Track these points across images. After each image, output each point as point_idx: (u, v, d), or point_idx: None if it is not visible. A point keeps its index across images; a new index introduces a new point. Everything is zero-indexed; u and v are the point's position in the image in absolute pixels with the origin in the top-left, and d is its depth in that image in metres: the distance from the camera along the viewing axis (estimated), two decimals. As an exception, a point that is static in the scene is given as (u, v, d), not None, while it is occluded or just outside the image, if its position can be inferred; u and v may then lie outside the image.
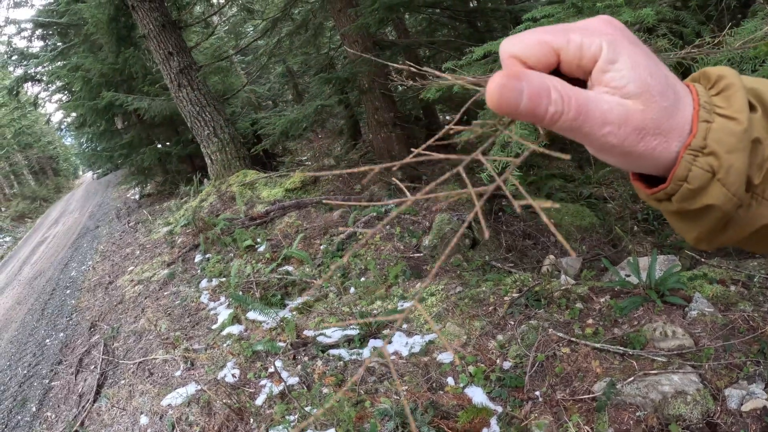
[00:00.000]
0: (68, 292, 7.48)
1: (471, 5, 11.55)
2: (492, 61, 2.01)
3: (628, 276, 3.70)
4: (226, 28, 17.84)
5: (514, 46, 0.38)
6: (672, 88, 0.39)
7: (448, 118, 13.82)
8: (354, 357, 3.65)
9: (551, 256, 4.73)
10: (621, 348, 2.97)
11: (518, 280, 4.11)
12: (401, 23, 10.81)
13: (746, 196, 0.40)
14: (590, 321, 3.34)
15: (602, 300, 3.52)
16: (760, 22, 1.20)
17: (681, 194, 0.40)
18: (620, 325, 3.22)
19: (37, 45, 19.28)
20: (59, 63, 15.79)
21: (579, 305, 3.51)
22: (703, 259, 3.97)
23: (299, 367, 3.65)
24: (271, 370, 3.69)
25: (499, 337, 3.45)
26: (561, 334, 3.22)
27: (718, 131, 0.39)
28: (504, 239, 5.28)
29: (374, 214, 6.30)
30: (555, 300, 3.62)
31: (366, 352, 3.69)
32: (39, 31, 17.79)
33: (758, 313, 3.03)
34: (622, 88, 0.37)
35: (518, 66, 0.38)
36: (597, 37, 0.37)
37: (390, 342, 3.77)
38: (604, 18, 0.39)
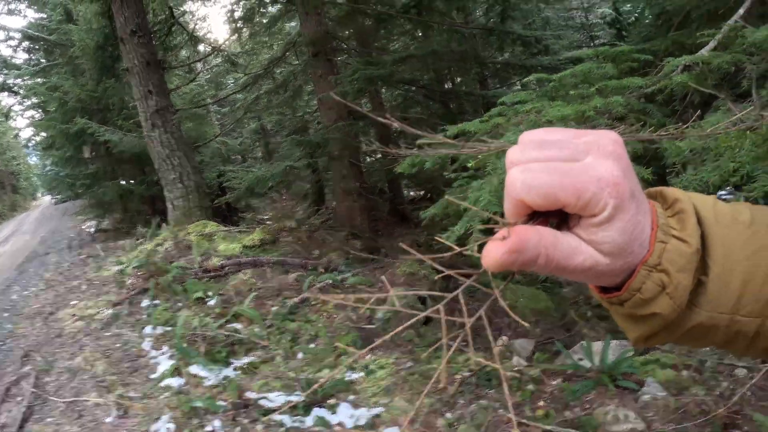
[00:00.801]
0: (6, 315, 7.08)
1: (446, 86, 12.01)
2: (467, 140, 2.06)
3: (581, 360, 3.70)
4: (208, 76, 18.05)
5: (525, 192, 0.41)
6: (636, 239, 0.43)
7: (412, 193, 14.04)
8: (296, 425, 3.49)
9: (504, 337, 4.72)
10: (572, 431, 2.92)
11: (470, 360, 4.06)
12: (378, 96, 11.12)
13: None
14: (541, 403, 3.29)
15: (554, 383, 3.50)
16: (722, 116, 1.25)
17: (633, 302, 0.46)
18: (572, 408, 3.19)
19: (21, 57, 19.05)
20: (39, 80, 15.62)
21: (531, 387, 3.47)
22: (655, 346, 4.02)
23: (238, 429, 3.47)
24: (209, 429, 3.49)
25: (448, 415, 3.36)
26: (511, 416, 3.15)
27: (672, 252, 0.44)
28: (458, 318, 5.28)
29: (330, 281, 6.25)
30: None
31: (309, 421, 3.53)
32: (26, 44, 17.69)
33: (710, 397, 3.04)
34: (602, 244, 0.42)
35: (522, 216, 0.43)
36: (606, 194, 0.40)
37: (335, 413, 3.63)
38: (614, 151, 0.42)
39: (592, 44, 9.56)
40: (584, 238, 0.42)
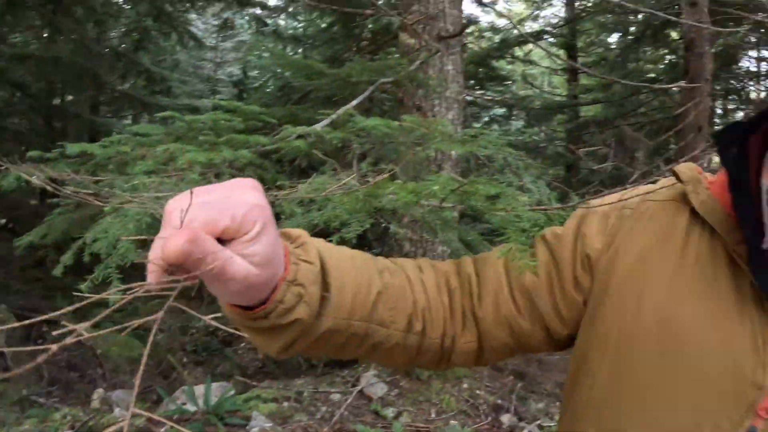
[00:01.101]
0: None
1: (55, 102, 10.69)
2: (81, 163, 1.92)
3: (185, 404, 3.71)
4: None
5: (187, 223, 0.46)
6: (278, 253, 0.53)
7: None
8: None
9: (100, 390, 4.38)
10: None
11: (68, 416, 3.63)
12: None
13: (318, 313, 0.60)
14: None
15: (162, 430, 3.40)
16: (328, 178, 1.50)
17: (277, 312, 0.55)
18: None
19: None
20: None
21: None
22: (254, 383, 4.33)
23: None
24: None
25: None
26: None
27: (303, 270, 0.57)
28: (46, 371, 4.67)
29: None
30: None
31: None
32: None
33: (314, 421, 3.46)
34: (254, 256, 0.49)
35: (197, 231, 0.46)
36: (255, 213, 0.49)
37: None
38: (254, 186, 0.51)
39: (213, 97, 10.04)
40: (239, 253, 0.48)
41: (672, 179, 0.66)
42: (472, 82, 8.85)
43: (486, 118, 11.18)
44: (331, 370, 4.20)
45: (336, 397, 3.83)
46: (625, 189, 0.74)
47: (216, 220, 0.47)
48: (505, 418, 3.76)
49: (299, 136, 1.90)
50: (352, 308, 0.62)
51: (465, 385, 3.96)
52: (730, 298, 0.56)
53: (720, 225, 0.58)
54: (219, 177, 1.65)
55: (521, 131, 11.65)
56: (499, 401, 3.95)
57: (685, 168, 0.64)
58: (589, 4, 9.08)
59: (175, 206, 0.47)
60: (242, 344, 5.26)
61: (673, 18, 6.94)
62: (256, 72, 10.57)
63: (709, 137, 8.14)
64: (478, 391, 3.96)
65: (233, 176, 1.54)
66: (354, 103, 2.79)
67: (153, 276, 0.45)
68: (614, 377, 0.62)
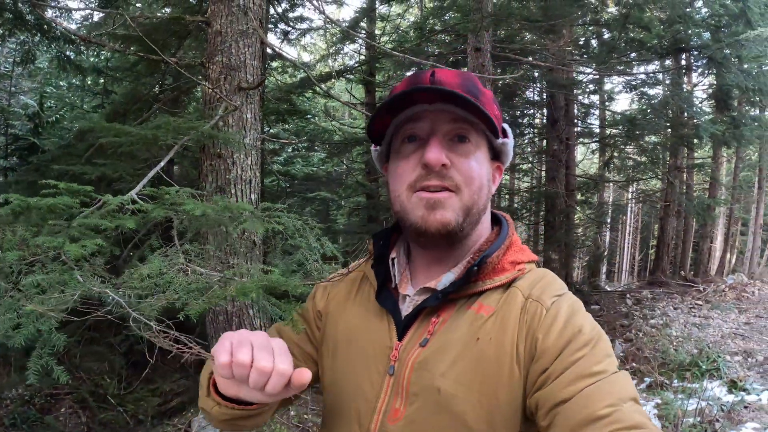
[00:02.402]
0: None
1: None
2: None
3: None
4: None
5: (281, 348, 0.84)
6: None
7: None
8: None
9: None
10: None
11: None
12: None
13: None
14: None
15: None
16: (161, 261, 1.69)
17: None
18: None
19: None
20: None
21: None
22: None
23: None
24: None
25: None
26: None
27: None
28: None
29: None
30: None
31: None
32: None
33: None
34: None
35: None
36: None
37: None
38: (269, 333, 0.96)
39: (7, 132, 8.87)
40: None
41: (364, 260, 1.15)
42: (273, 117, 9.10)
43: (289, 150, 11.45)
44: (160, 422, 4.12)
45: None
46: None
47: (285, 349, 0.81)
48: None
49: (122, 208, 2.03)
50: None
51: (293, 413, 4.20)
52: (376, 310, 1.00)
53: (370, 278, 1.04)
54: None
55: (323, 161, 12.10)
56: (325, 422, 4.24)
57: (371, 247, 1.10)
58: (387, 46, 9.88)
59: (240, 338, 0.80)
60: (62, 409, 4.83)
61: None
62: (52, 102, 9.57)
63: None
64: (305, 416, 4.22)
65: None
66: (161, 164, 2.92)
67: (277, 387, 0.77)
68: (332, 370, 1.03)
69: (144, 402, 4.04)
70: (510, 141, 1.00)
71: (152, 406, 4.06)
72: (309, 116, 10.38)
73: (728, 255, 17.41)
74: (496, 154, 1.00)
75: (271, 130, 10.58)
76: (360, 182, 11.04)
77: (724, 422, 4.65)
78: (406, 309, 0.96)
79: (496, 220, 1.06)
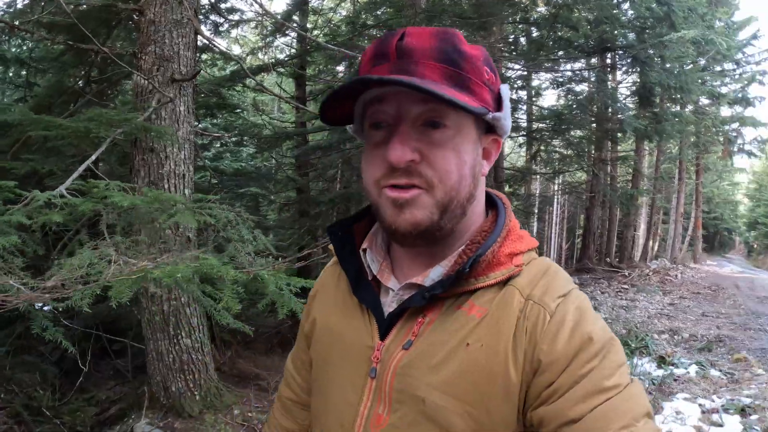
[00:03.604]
0: None
1: None
2: None
3: None
4: None
5: None
6: None
7: None
8: None
9: None
10: None
11: None
12: None
13: None
14: None
15: None
16: (91, 254, 1.63)
17: None
18: None
19: None
20: None
21: None
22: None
23: None
24: None
25: None
26: None
27: None
28: None
29: None
30: None
31: None
32: None
33: None
34: None
35: None
36: None
37: None
38: None
39: None
40: None
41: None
42: (202, 111, 8.82)
43: (218, 145, 11.16)
44: (101, 430, 3.93)
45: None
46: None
47: None
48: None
49: (50, 204, 1.94)
50: None
51: (236, 412, 4.13)
52: (356, 305, 0.91)
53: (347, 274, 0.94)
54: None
55: (252, 156, 11.89)
56: (273, 416, 4.20)
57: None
58: (319, 40, 9.78)
59: None
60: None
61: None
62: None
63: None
64: (249, 414, 4.17)
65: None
66: (93, 158, 2.81)
67: None
68: (317, 371, 0.97)
69: (81, 412, 3.84)
70: (504, 110, 0.82)
71: (89, 416, 3.87)
72: (238, 110, 10.15)
73: (651, 242, 18.45)
74: (490, 127, 0.84)
75: (200, 125, 10.28)
76: (290, 177, 10.94)
77: (657, 394, 5.00)
78: (389, 304, 0.87)
79: (491, 202, 0.92)
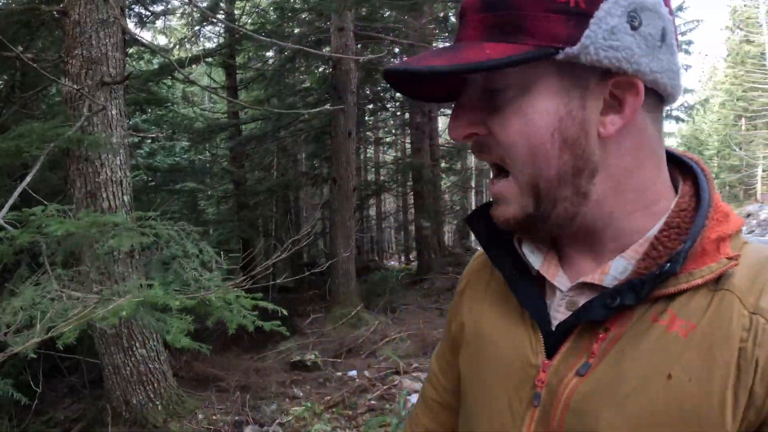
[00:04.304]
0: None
1: None
2: None
3: None
4: None
5: None
6: None
7: None
8: None
9: None
10: None
11: None
12: None
13: None
14: None
15: None
16: (34, 291, 1.60)
17: None
18: None
19: None
20: None
21: None
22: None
23: None
24: None
25: None
26: None
27: None
28: None
29: None
30: None
31: None
32: None
33: None
34: None
35: None
36: None
37: None
38: None
39: None
40: None
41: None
42: (132, 108, 8.43)
43: (150, 141, 10.77)
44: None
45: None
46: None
47: None
48: (248, 430, 4.03)
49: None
50: None
51: (201, 416, 4.10)
52: (514, 307, 0.70)
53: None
54: None
55: (186, 150, 11.58)
56: (237, 417, 4.21)
57: None
58: (248, 26, 9.54)
59: None
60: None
61: (315, 53, 7.86)
62: None
63: (357, 139, 9.61)
64: (214, 417, 4.14)
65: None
66: (28, 179, 2.67)
67: None
68: (466, 385, 0.78)
69: (41, 436, 3.70)
70: (617, 33, 0.55)
71: (53, 439, 3.74)
72: (168, 104, 9.83)
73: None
74: (605, 72, 0.57)
75: (131, 122, 9.84)
76: (226, 169, 10.76)
77: None
78: (556, 308, 0.66)
79: (680, 167, 0.68)
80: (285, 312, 2.72)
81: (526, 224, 0.63)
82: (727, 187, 32.81)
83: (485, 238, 0.73)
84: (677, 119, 22.07)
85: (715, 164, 35.77)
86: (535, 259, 0.68)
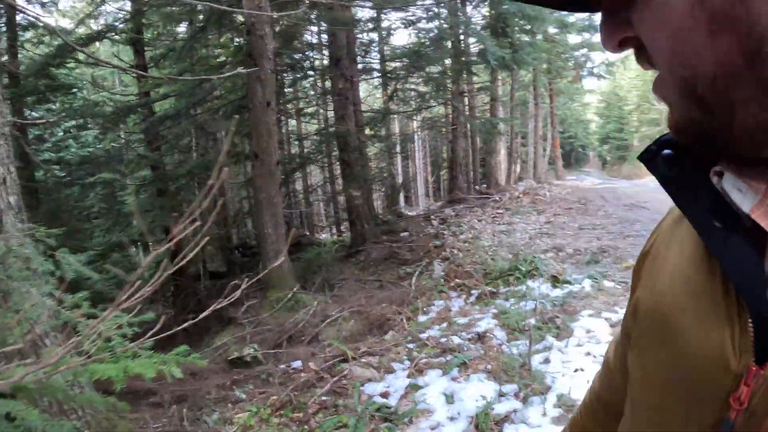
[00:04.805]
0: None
1: None
2: None
3: None
4: None
5: None
6: None
7: None
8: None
9: None
10: None
11: None
12: None
13: None
14: None
15: None
16: None
17: None
18: None
19: None
20: None
21: None
22: None
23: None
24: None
25: None
26: None
27: None
28: None
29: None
30: None
31: None
32: None
33: None
34: None
35: None
36: None
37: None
38: None
39: None
40: None
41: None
42: (32, 98, 7.59)
43: (60, 133, 9.91)
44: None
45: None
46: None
47: None
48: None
49: None
50: None
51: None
52: (713, 283, 0.47)
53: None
54: None
55: (98, 139, 10.72)
56: (178, 432, 3.78)
57: None
58: None
59: None
60: None
61: (231, 9, 7.24)
62: None
63: (277, 111, 9.06)
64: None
65: None
66: None
67: None
68: (633, 385, 0.59)
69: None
70: None
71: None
72: (75, 90, 8.95)
73: (513, 165, 19.56)
74: None
75: (33, 114, 9.13)
76: (142, 154, 10.02)
77: (563, 317, 4.85)
78: None
79: None
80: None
81: (701, 137, 0.43)
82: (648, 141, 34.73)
83: (667, 178, 0.50)
84: (598, 76, 23.28)
85: (635, 118, 37.53)
86: (743, 199, 0.44)
